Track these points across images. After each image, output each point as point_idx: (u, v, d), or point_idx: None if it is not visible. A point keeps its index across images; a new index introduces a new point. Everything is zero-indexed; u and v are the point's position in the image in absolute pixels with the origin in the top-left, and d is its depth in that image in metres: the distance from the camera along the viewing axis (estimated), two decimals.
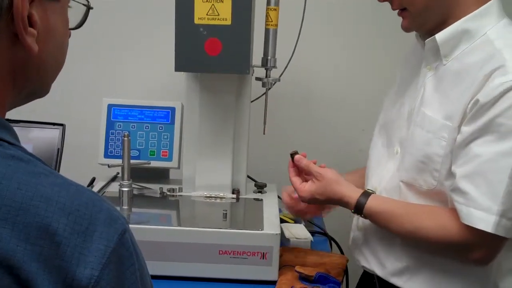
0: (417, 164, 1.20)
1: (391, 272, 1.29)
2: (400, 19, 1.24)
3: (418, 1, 1.17)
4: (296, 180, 1.36)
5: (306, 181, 1.35)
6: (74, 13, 0.73)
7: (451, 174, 1.16)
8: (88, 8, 0.76)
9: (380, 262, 1.32)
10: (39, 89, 0.71)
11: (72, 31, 0.75)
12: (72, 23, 0.73)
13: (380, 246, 1.31)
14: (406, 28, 1.24)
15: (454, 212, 1.15)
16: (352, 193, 1.27)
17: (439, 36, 1.18)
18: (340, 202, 1.30)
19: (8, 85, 0.65)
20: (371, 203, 1.24)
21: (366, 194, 1.26)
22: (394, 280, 1.29)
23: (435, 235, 1.17)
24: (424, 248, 1.23)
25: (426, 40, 1.21)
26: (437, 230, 1.17)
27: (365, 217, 1.26)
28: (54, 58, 0.69)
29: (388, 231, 1.25)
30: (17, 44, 0.62)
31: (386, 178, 1.30)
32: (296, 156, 1.36)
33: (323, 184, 1.30)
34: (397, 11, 1.24)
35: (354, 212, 1.27)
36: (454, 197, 1.13)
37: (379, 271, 1.32)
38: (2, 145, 0.61)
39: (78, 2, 0.74)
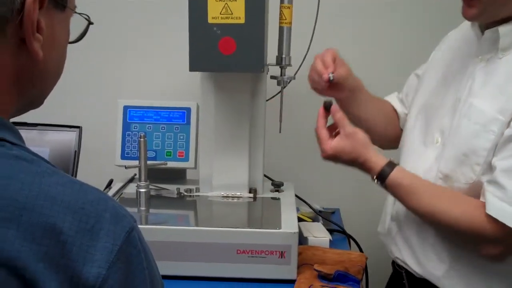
0: (458, 156, 1.18)
1: (427, 269, 1.26)
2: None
3: None
4: (325, 132, 1.27)
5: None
6: (74, 27, 0.73)
7: (489, 169, 1.13)
8: (89, 23, 0.75)
9: (414, 256, 1.29)
10: (38, 98, 0.71)
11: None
12: (72, 36, 0.73)
13: (416, 239, 1.29)
14: (473, 18, 1.19)
15: (481, 202, 1.13)
16: (378, 160, 1.23)
17: (503, 29, 1.15)
18: (362, 166, 1.24)
19: (12, 91, 0.65)
20: (396, 174, 1.21)
21: (392, 164, 1.23)
22: (429, 276, 1.26)
23: (456, 221, 1.15)
24: (461, 244, 1.21)
25: (486, 30, 1.18)
26: (459, 217, 1.15)
27: (386, 187, 1.23)
28: (56, 66, 0.69)
29: (408, 208, 1.23)
30: (23, 50, 0.62)
31: (423, 168, 1.26)
32: (333, 106, 1.28)
33: (352, 143, 1.24)
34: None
35: (375, 179, 1.23)
36: (489, 188, 1.11)
37: (414, 266, 1.29)
38: (5, 146, 0.61)
39: (81, 15, 0.74)
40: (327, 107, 1.30)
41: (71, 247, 0.56)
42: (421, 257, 1.28)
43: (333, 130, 1.30)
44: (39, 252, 0.55)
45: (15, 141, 0.63)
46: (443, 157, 1.22)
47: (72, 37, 0.73)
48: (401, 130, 1.48)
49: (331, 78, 1.31)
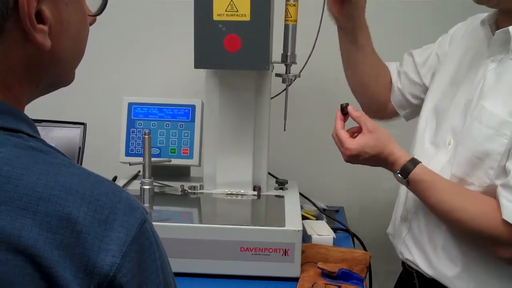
0: (472, 160, 1.16)
1: (439, 270, 1.25)
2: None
3: None
4: (345, 132, 1.29)
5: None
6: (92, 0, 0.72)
7: (503, 172, 1.12)
8: None
9: (425, 258, 1.28)
10: (60, 80, 0.71)
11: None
12: (93, 9, 0.72)
13: (427, 241, 1.28)
14: (482, 1, 1.16)
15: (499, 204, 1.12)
16: (403, 155, 1.24)
17: None
18: (387, 158, 1.24)
19: (23, 82, 0.65)
20: (419, 170, 1.21)
21: (415, 160, 1.23)
22: (440, 278, 1.25)
23: (473, 220, 1.14)
24: (474, 246, 1.20)
25: (497, 31, 1.16)
26: (477, 217, 1.14)
27: (408, 182, 1.22)
28: (71, 50, 0.68)
29: (427, 205, 1.23)
30: (29, 41, 0.61)
31: (435, 170, 1.24)
32: (350, 107, 1.32)
33: (376, 136, 1.25)
34: None
35: (398, 173, 1.23)
36: (503, 192, 1.10)
37: (425, 268, 1.28)
38: (22, 137, 0.62)
39: None
40: (343, 110, 1.32)
41: (86, 237, 0.57)
42: (433, 259, 1.26)
43: (351, 134, 1.31)
44: (55, 240, 0.56)
45: (32, 133, 0.64)
46: (456, 160, 1.20)
47: (92, 10, 0.72)
48: (391, 102, 1.52)
49: None
